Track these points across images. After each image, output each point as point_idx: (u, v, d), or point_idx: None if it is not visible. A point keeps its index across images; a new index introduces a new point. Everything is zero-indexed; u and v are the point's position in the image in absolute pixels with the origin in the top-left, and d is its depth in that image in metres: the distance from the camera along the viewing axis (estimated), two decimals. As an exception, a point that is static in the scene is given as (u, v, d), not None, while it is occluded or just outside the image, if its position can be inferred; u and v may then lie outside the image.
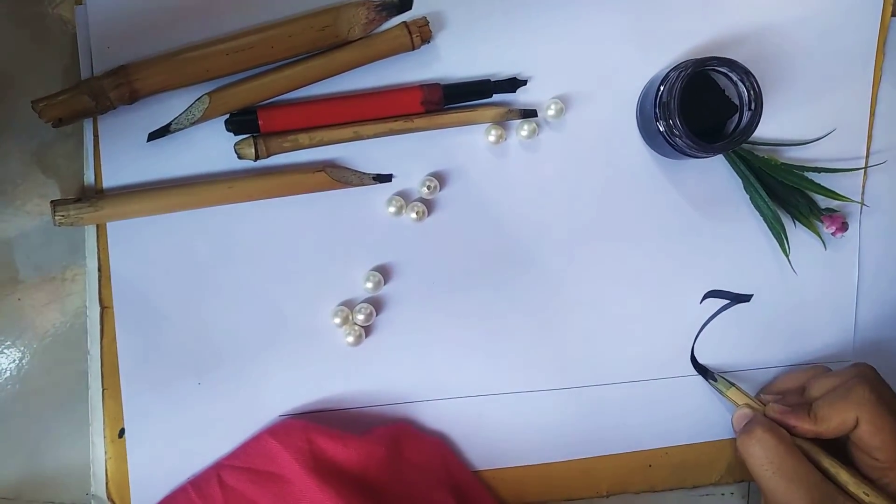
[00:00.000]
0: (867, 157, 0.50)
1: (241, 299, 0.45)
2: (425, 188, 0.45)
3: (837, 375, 0.44)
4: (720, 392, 0.47)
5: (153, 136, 0.43)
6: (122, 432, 0.45)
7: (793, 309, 0.50)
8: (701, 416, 0.49)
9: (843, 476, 0.41)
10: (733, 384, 0.47)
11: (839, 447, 0.43)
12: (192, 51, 0.42)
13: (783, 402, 0.44)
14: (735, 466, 0.50)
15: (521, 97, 0.46)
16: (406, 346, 0.47)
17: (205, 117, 0.42)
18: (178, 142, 0.44)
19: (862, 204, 0.50)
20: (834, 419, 0.41)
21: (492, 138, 0.46)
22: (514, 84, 0.46)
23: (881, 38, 0.49)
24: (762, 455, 0.41)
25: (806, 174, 0.48)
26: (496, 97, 0.46)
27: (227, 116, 0.43)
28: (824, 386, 0.44)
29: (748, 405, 0.45)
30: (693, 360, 0.48)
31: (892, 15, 0.49)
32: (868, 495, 0.40)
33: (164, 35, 0.43)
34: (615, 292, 0.48)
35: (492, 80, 0.46)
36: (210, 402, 0.45)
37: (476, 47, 0.46)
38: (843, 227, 0.48)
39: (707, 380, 0.48)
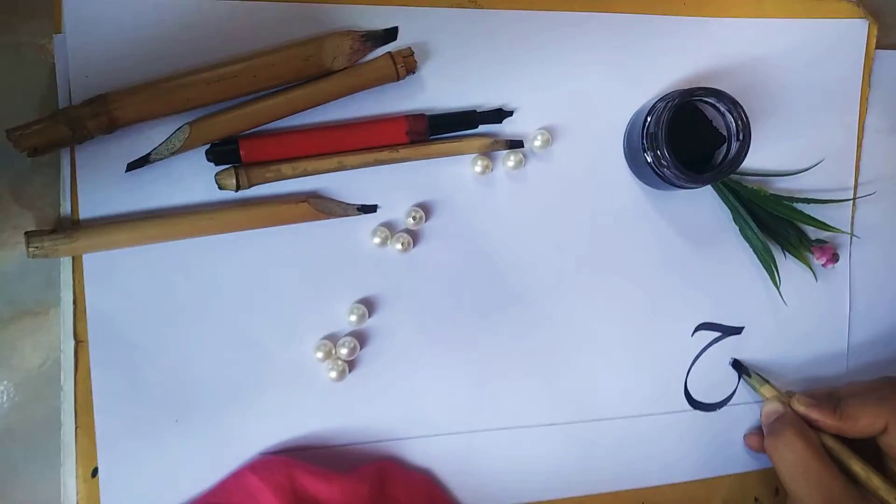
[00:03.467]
0: (855, 188, 0.50)
1: (221, 333, 0.44)
2: (411, 219, 0.45)
3: (870, 383, 0.44)
4: (753, 388, 0.47)
5: (132, 167, 0.42)
6: (95, 471, 0.43)
7: (784, 341, 0.49)
8: (695, 454, 0.49)
9: (875, 482, 0.41)
10: (767, 381, 0.47)
11: (873, 457, 0.43)
12: (172, 80, 0.42)
13: (811, 396, 0.45)
14: (730, 504, 0.49)
15: (508, 128, 0.46)
16: (391, 381, 0.46)
17: (185, 147, 0.42)
18: (158, 172, 0.43)
19: (852, 235, 0.49)
20: (862, 419, 0.42)
21: (478, 169, 0.45)
22: (500, 115, 0.45)
23: (866, 70, 0.49)
24: (789, 458, 0.42)
25: (795, 205, 0.48)
26: (482, 128, 0.46)
27: (208, 146, 0.43)
28: (855, 389, 0.44)
29: (777, 399, 0.45)
30: (734, 362, 0.48)
31: (877, 47, 0.49)
32: None
33: (145, 64, 0.42)
34: (605, 326, 0.48)
35: (478, 110, 0.45)
36: (188, 439, 0.44)
37: (462, 78, 0.45)
38: (834, 258, 0.48)
39: (741, 376, 0.48)
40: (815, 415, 0.43)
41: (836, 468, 0.41)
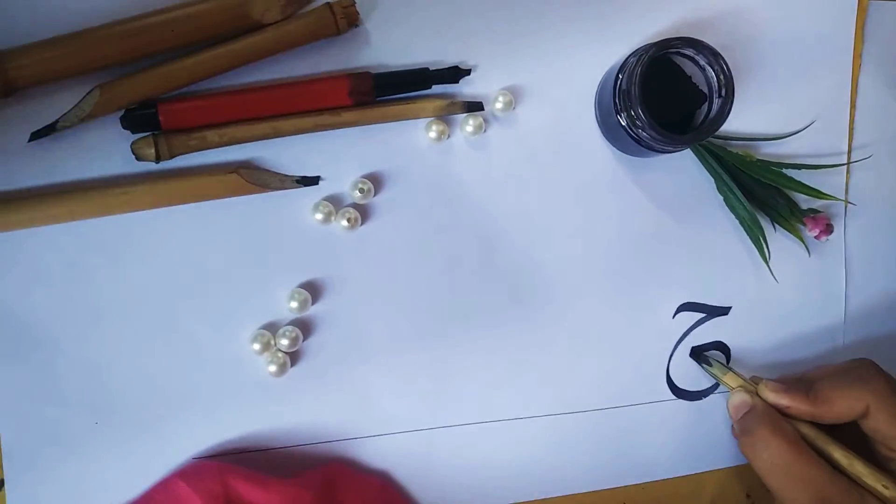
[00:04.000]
0: (849, 151, 0.47)
1: (145, 324, 0.41)
2: (358, 192, 0.41)
3: (842, 365, 0.43)
4: (716, 378, 0.45)
5: (36, 136, 0.38)
6: (1, 484, 0.40)
7: (775, 321, 0.47)
8: (680, 447, 0.46)
9: (859, 467, 0.39)
10: (730, 368, 0.44)
11: (856, 442, 0.41)
12: (79, 35, 0.38)
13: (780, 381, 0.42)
14: (719, 502, 0.46)
15: (466, 89, 0.43)
16: (339, 374, 0.43)
17: (96, 113, 0.38)
18: (66, 142, 0.39)
19: (847, 202, 0.46)
20: (839, 403, 0.40)
21: (433, 135, 0.42)
22: (456, 73, 0.42)
23: (859, 22, 0.46)
24: (768, 459, 0.40)
25: (784, 171, 0.45)
26: (436, 88, 0.42)
27: (123, 112, 0.39)
28: (827, 371, 0.42)
29: (744, 388, 0.43)
30: (692, 350, 0.46)
31: (870, -3, 0.46)
32: (888, 488, 0.38)
33: (46, 17, 0.38)
34: (578, 308, 0.45)
35: (431, 68, 0.42)
36: (110, 443, 0.41)
37: (412, 32, 0.42)
38: (828, 229, 0.44)
39: (700, 364, 0.45)
40: (785, 401, 0.41)
41: (819, 459, 0.39)
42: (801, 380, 0.42)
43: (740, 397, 0.42)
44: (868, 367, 0.41)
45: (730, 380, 0.44)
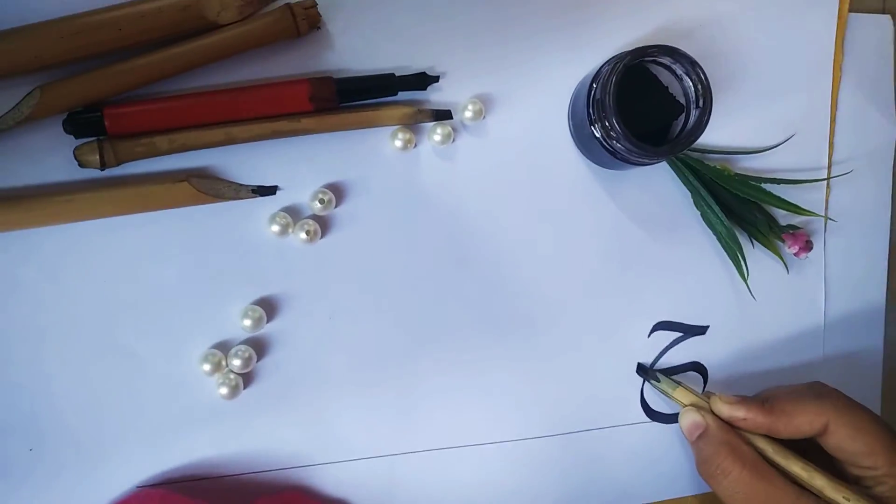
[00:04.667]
0: (829, 166, 0.45)
1: (86, 342, 0.39)
2: (318, 202, 0.40)
3: (796, 385, 0.42)
4: (666, 394, 0.43)
5: None
6: None
7: (754, 341, 0.45)
8: (654, 471, 0.45)
9: (819, 481, 0.39)
10: (679, 383, 0.43)
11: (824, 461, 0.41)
12: (18, 32, 0.36)
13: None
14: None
15: (434, 96, 0.42)
16: (295, 397, 0.41)
17: (37, 115, 0.36)
18: (4, 145, 0.38)
19: (826, 219, 0.45)
20: (798, 417, 0.39)
21: (398, 143, 0.41)
22: (423, 80, 0.41)
23: (839, 35, 0.45)
24: (728, 487, 0.39)
25: (763, 186, 0.44)
26: (402, 95, 0.41)
27: (66, 115, 0.37)
28: (782, 389, 0.42)
29: (695, 405, 0.41)
30: (638, 367, 0.44)
31: (850, 10, 0.45)
32: (848, 500, 0.38)
33: None
34: (548, 327, 0.43)
35: (397, 74, 0.40)
36: (46, 472, 0.39)
37: (378, 36, 0.41)
38: (807, 246, 0.43)
39: (649, 381, 0.44)
40: (741, 413, 0.40)
41: (783, 479, 0.38)
42: (756, 397, 0.41)
43: (691, 418, 0.41)
44: (823, 386, 0.41)
45: (680, 395, 0.42)
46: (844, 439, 0.39)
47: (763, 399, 0.40)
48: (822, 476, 0.39)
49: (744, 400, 0.40)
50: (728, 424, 0.40)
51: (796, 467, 0.39)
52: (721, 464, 0.39)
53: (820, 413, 0.39)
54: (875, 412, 0.40)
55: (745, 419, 0.40)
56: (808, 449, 0.40)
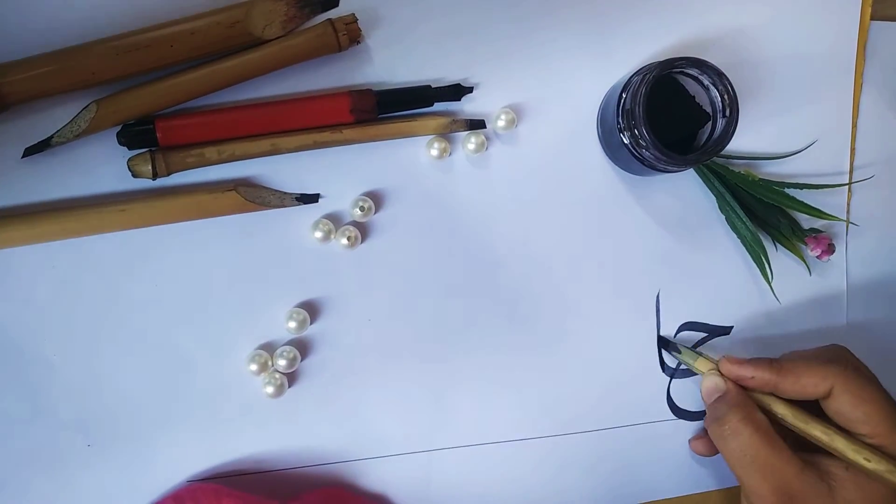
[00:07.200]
0: (851, 171, 0.46)
1: (140, 344, 0.40)
2: (358, 210, 0.41)
3: (813, 349, 0.42)
4: (687, 364, 0.43)
5: (30, 152, 0.37)
6: None
7: (777, 341, 0.46)
8: (681, 467, 0.45)
9: (840, 443, 0.39)
10: (700, 353, 0.43)
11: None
12: (75, 50, 0.37)
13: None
14: (720, 524, 0.45)
15: (467, 106, 0.42)
16: (337, 395, 0.42)
17: (93, 129, 0.37)
18: (61, 158, 0.39)
19: (848, 223, 0.46)
20: (805, 377, 0.39)
21: (434, 152, 0.41)
22: (458, 91, 0.41)
23: (861, 42, 0.46)
24: (736, 447, 0.39)
25: (786, 191, 0.44)
26: (438, 106, 0.42)
27: (120, 128, 0.38)
28: (797, 352, 0.42)
29: (716, 371, 0.42)
30: (659, 339, 0.45)
31: (872, 18, 0.46)
32: (869, 461, 0.38)
33: (42, 31, 0.37)
34: (578, 327, 0.44)
35: (433, 86, 0.41)
36: (103, 467, 0.40)
37: (414, 49, 0.41)
38: (830, 249, 0.44)
39: (670, 352, 0.44)
40: (748, 371, 0.40)
41: (790, 452, 0.39)
42: (768, 358, 0.41)
43: (713, 381, 0.41)
44: (840, 350, 0.41)
45: (701, 364, 0.42)
46: (845, 405, 0.39)
47: (774, 360, 0.41)
48: (842, 438, 0.39)
49: (751, 359, 0.40)
50: (740, 387, 0.41)
51: (817, 431, 0.39)
52: (734, 424, 0.39)
53: (825, 376, 0.39)
54: (882, 385, 0.40)
55: (752, 378, 0.40)
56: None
